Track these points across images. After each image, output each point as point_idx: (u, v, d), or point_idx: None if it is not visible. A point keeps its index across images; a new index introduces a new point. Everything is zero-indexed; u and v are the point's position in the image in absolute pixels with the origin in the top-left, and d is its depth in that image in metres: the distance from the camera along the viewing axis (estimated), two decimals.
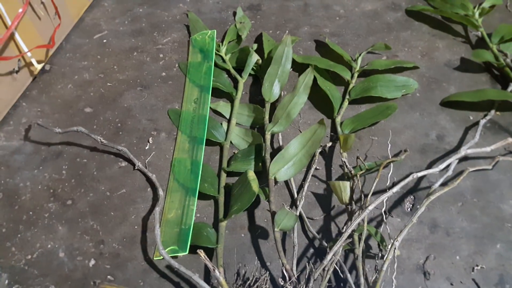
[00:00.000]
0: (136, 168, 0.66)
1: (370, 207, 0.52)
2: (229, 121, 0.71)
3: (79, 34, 0.87)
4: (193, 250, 0.55)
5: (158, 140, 0.70)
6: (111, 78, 0.79)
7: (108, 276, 0.57)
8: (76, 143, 0.70)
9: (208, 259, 0.49)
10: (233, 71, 0.76)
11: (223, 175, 0.64)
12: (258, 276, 0.54)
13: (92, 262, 0.58)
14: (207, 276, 0.56)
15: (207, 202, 0.62)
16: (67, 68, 0.81)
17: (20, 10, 0.69)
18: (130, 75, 0.79)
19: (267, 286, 0.52)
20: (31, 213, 0.62)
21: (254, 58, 0.75)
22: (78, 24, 0.89)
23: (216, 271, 0.50)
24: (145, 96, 0.76)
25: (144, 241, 0.59)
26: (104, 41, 0.86)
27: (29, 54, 0.74)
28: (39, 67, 0.77)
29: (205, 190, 0.61)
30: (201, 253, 0.49)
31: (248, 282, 0.52)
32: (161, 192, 0.61)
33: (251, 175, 0.58)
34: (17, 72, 0.73)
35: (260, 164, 0.64)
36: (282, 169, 0.60)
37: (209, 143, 0.68)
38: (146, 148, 0.69)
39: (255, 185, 0.56)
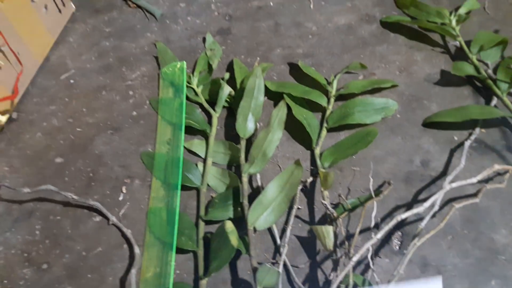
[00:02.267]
0: (110, 223, 0.62)
1: (355, 258, 0.48)
2: (204, 161, 0.66)
3: (45, 75, 0.82)
4: None
5: (132, 189, 0.66)
6: (81, 122, 0.74)
7: None
8: (48, 198, 0.65)
9: None
10: (206, 105, 0.72)
11: (201, 224, 0.60)
12: None
13: None
14: None
15: (186, 256, 0.58)
16: (35, 115, 0.76)
17: None
18: (100, 117, 0.75)
19: None
20: (5, 281, 0.58)
21: (226, 90, 0.70)
22: (44, 64, 0.84)
23: None
24: (116, 139, 0.71)
25: None
26: (72, 81, 0.81)
27: None
28: (4, 119, 0.72)
29: (183, 245, 0.57)
30: None
31: None
32: (137, 250, 0.57)
33: (229, 226, 0.54)
34: None
35: (239, 209, 0.60)
36: (261, 216, 0.56)
37: (185, 187, 0.64)
38: (120, 199, 0.65)
39: (233, 238, 0.52)
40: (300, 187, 0.62)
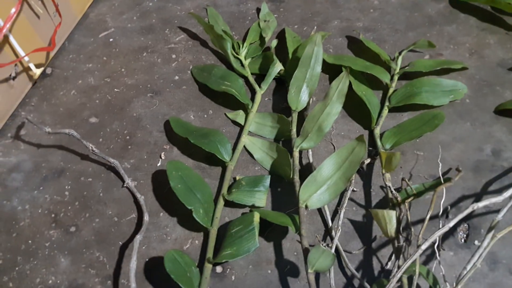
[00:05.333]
0: (124, 185, 0.60)
1: (424, 246, 0.45)
2: (238, 137, 0.63)
3: (83, 32, 0.80)
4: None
5: (171, 156, 0.63)
6: (119, 83, 0.72)
7: None
8: (80, 159, 0.63)
9: None
10: (251, 80, 0.69)
11: (221, 202, 0.57)
12: None
13: None
14: None
15: (195, 234, 0.56)
16: (70, 72, 0.74)
17: (13, 9, 0.62)
18: (140, 79, 0.73)
19: None
20: (30, 242, 0.57)
21: (277, 68, 0.68)
22: (82, 21, 0.82)
23: None
24: (156, 103, 0.69)
25: (157, 277, 0.53)
26: (111, 40, 0.79)
27: (26, 58, 0.68)
28: (38, 72, 0.71)
29: (198, 217, 0.54)
30: None
31: None
32: (146, 218, 0.55)
33: (257, 220, 0.52)
34: (14, 78, 0.67)
35: (265, 198, 0.57)
36: (315, 194, 0.53)
37: (212, 160, 0.61)
38: (158, 165, 0.62)
39: (257, 233, 0.51)
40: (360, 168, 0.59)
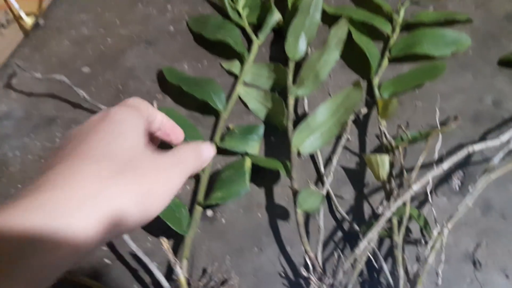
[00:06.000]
0: None
1: (415, 187, 0.47)
2: (233, 86, 0.66)
3: None
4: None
5: (164, 104, 0.66)
6: (113, 33, 0.75)
7: (105, 259, 0.55)
8: (72, 108, 0.66)
9: (170, 250, 0.47)
10: (249, 30, 0.71)
11: None
12: (225, 278, 0.50)
13: None
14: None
15: (187, 180, 0.59)
16: (63, 23, 0.77)
17: None
18: (134, 29, 0.75)
19: None
20: (20, 186, 0.60)
21: (275, 16, 0.70)
22: None
23: (177, 265, 0.46)
24: (150, 53, 0.72)
25: None
26: None
27: (16, 5, 0.70)
28: (29, 21, 0.74)
29: None
30: (164, 242, 0.46)
31: (211, 283, 0.49)
32: None
33: (248, 165, 0.55)
34: (4, 26, 0.70)
35: (258, 146, 0.60)
36: (307, 140, 0.56)
37: (205, 110, 0.64)
38: None
39: (249, 178, 0.54)
40: (352, 117, 0.61)
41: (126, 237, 0.51)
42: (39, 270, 0.26)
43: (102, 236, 0.29)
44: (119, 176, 0.31)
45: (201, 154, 0.41)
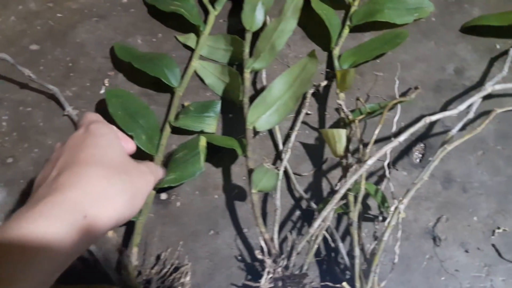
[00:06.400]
0: (65, 114, 0.59)
1: (370, 161, 0.45)
2: (189, 61, 0.62)
3: None
4: None
5: (116, 82, 0.62)
6: (62, 8, 0.70)
7: None
8: (19, 88, 0.62)
9: (116, 237, 0.44)
10: (205, 0, 0.67)
11: (167, 129, 0.57)
12: (178, 265, 0.48)
13: None
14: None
15: None
16: None
17: None
18: (85, 2, 0.70)
19: (186, 280, 0.46)
20: None
21: None
22: None
23: (125, 254, 0.44)
24: (101, 28, 0.67)
25: None
26: None
27: None
28: None
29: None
30: (113, 236, 0.44)
31: (165, 270, 0.47)
32: None
33: (203, 144, 0.52)
34: None
35: (215, 124, 0.57)
36: (263, 115, 0.53)
37: (159, 87, 0.60)
38: (101, 92, 0.62)
39: (202, 158, 0.51)
40: (311, 90, 0.58)
41: None
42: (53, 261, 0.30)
43: (110, 226, 0.34)
44: (116, 177, 0.36)
45: (161, 172, 0.46)
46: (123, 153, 0.40)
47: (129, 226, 0.51)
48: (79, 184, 0.34)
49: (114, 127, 0.43)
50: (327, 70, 0.61)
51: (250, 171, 0.49)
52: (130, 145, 0.44)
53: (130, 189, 0.37)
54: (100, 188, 0.34)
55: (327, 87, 0.60)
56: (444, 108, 0.57)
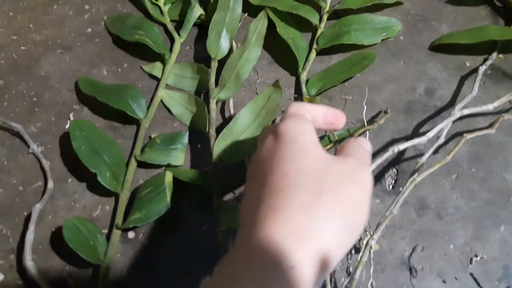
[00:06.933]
0: (30, 151, 0.56)
1: None
2: (155, 90, 0.60)
3: None
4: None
5: (81, 116, 0.60)
6: (26, 40, 0.67)
7: None
8: None
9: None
10: (170, 27, 0.64)
11: (133, 164, 0.54)
12: None
13: (1, 277, 0.49)
14: None
15: (106, 200, 0.53)
16: None
17: None
18: (49, 34, 0.68)
19: None
20: None
21: (196, 12, 0.63)
22: None
23: None
24: (66, 60, 0.65)
25: (65, 248, 0.50)
26: None
27: None
28: None
29: (105, 182, 0.51)
30: (70, 280, 0.41)
31: None
32: (50, 185, 0.52)
33: (169, 180, 0.49)
34: None
35: (182, 157, 0.55)
36: (230, 147, 0.51)
37: (125, 119, 0.58)
38: (67, 127, 0.59)
39: (169, 195, 0.48)
40: (279, 117, 0.56)
41: (34, 272, 0.46)
42: None
43: (316, 274, 0.27)
44: (319, 199, 0.28)
45: (367, 147, 0.37)
46: (318, 153, 0.31)
47: (95, 268, 0.49)
48: (279, 220, 0.27)
49: (311, 109, 0.35)
50: (296, 95, 0.59)
51: (219, 207, 0.47)
52: (339, 123, 0.37)
53: (341, 208, 0.28)
54: (301, 223, 0.27)
55: None
56: (415, 130, 0.54)
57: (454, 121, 0.50)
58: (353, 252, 0.45)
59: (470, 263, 0.46)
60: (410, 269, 0.46)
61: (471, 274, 0.46)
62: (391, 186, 0.51)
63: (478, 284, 0.45)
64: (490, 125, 0.50)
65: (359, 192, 0.30)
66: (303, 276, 0.26)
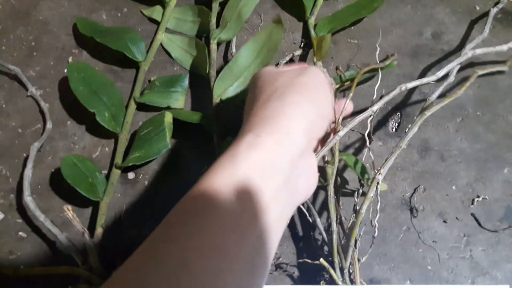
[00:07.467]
0: (28, 94, 0.55)
1: (341, 133, 0.41)
2: (155, 34, 0.58)
3: None
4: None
5: (81, 60, 0.58)
6: None
7: (20, 233, 0.49)
8: None
9: (76, 218, 0.41)
10: None
11: (132, 106, 0.53)
12: None
13: (0, 216, 0.49)
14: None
15: (105, 141, 0.53)
16: None
17: None
18: None
19: None
20: None
21: None
22: None
23: (86, 235, 0.41)
24: (64, 4, 0.63)
25: (64, 188, 0.50)
26: None
27: None
28: None
29: (104, 122, 0.50)
30: (68, 210, 0.40)
31: None
32: (49, 125, 0.52)
33: (168, 120, 0.48)
34: None
35: (182, 99, 0.53)
36: (231, 87, 0.50)
37: (124, 62, 0.57)
38: (65, 70, 0.57)
39: (169, 135, 0.47)
40: (287, 58, 0.54)
41: (33, 207, 0.45)
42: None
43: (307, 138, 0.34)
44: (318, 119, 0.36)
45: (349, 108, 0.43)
46: (330, 96, 0.38)
47: (96, 206, 0.48)
48: (287, 114, 0.34)
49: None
50: (302, 40, 0.57)
51: (219, 145, 0.46)
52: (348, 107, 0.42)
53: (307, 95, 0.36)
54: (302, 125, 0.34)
55: (303, 57, 0.56)
56: (421, 75, 0.53)
57: (462, 68, 0.48)
58: (360, 192, 0.44)
59: (472, 203, 0.46)
60: (411, 209, 0.46)
61: (473, 214, 0.45)
62: (394, 129, 0.50)
63: (479, 223, 0.44)
64: (504, 62, 0.48)
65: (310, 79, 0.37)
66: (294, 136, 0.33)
